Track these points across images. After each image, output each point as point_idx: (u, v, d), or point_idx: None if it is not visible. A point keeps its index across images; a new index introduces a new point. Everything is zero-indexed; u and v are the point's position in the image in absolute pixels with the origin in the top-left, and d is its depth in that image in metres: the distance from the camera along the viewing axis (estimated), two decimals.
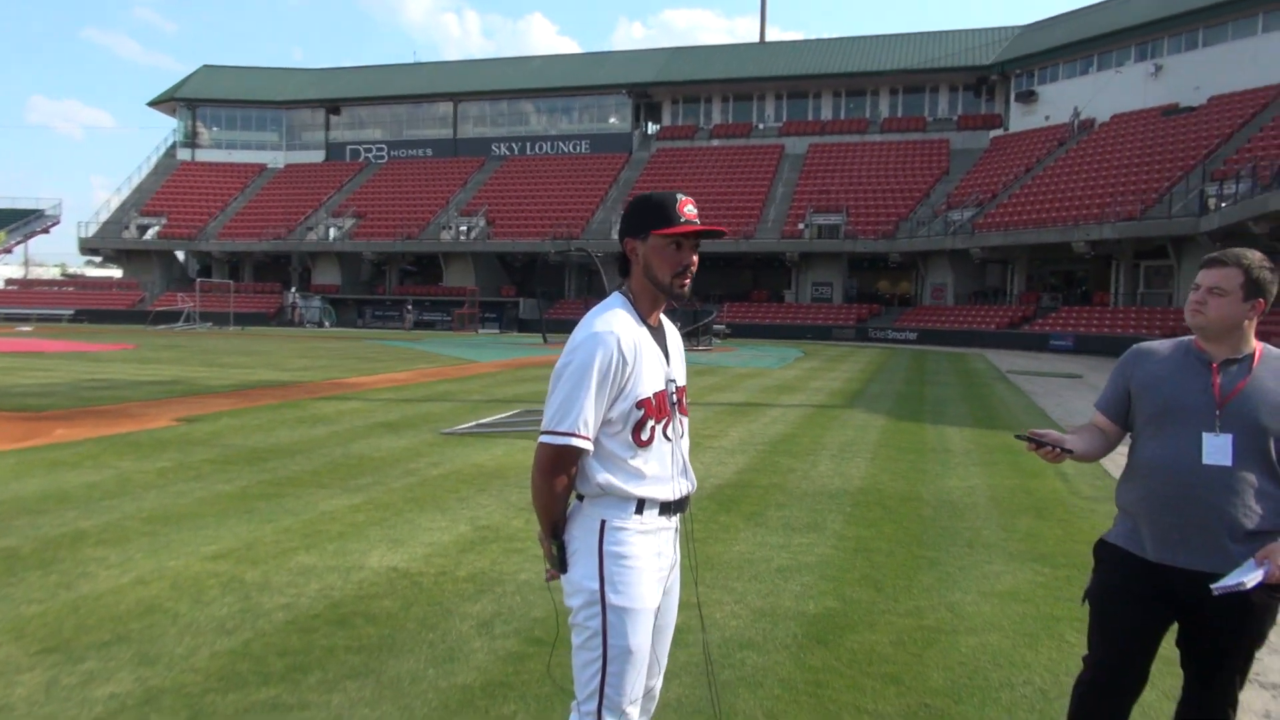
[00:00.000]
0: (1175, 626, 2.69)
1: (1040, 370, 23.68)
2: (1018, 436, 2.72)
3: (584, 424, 2.25)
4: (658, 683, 2.49)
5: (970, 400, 15.32)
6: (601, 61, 61.05)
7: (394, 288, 54.04)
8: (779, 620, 4.43)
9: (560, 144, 58.72)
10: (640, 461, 2.32)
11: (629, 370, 2.28)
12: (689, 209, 2.32)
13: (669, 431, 2.38)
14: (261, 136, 63.68)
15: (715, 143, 56.43)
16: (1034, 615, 4.61)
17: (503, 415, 11.75)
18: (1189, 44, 41.68)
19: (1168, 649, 2.75)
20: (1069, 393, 17.36)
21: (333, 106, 62.60)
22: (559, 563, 2.36)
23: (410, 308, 47.16)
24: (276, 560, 5.24)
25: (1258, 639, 2.58)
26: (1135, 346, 2.82)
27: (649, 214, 2.33)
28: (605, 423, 2.30)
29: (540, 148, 58.99)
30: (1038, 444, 2.65)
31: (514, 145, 59.45)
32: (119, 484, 7.16)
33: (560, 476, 2.30)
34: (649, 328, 2.37)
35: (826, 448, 9.69)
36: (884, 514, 6.69)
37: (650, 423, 2.32)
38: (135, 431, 9.80)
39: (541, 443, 2.30)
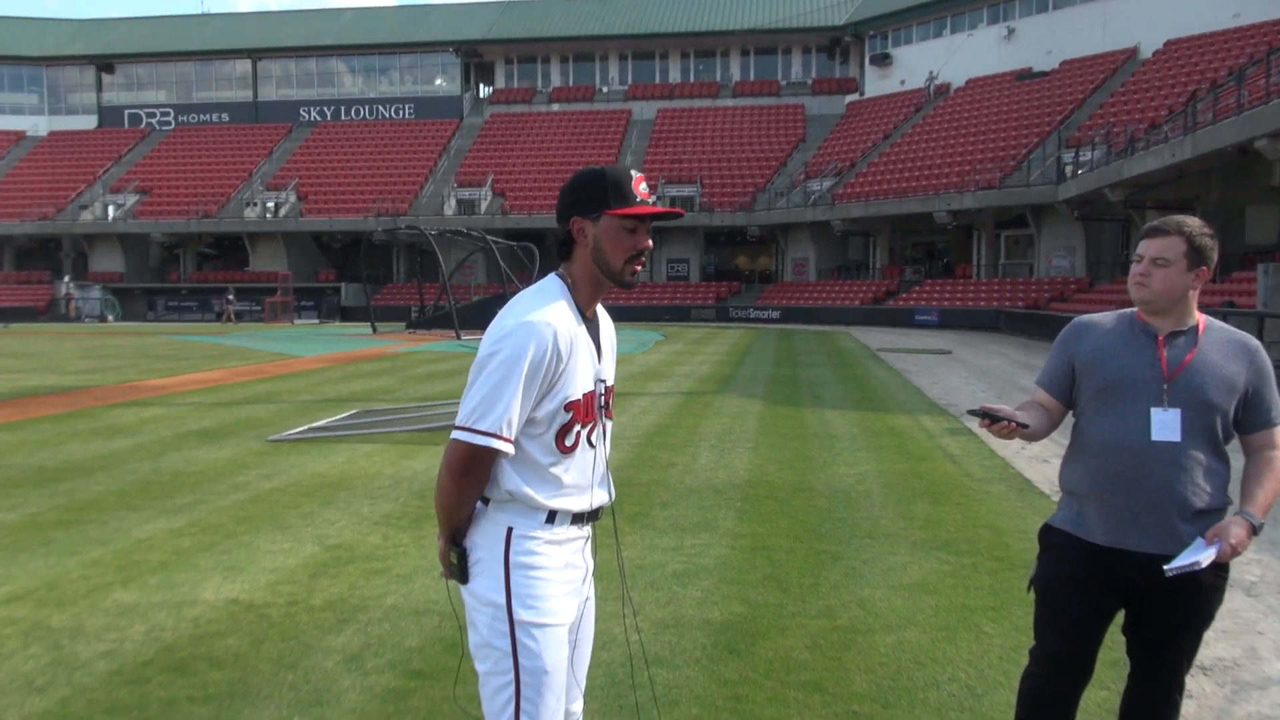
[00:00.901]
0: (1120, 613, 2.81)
1: (910, 347, 24.72)
2: (970, 412, 2.79)
3: (507, 424, 2.21)
4: (578, 706, 2.46)
5: (846, 381, 15.84)
6: (425, 15, 59.81)
7: (190, 274, 51.43)
8: (684, 631, 4.43)
9: (380, 108, 57.20)
10: (560, 469, 2.30)
11: (562, 367, 2.24)
12: (643, 187, 2.32)
13: (594, 437, 2.36)
14: (17, 99, 59.22)
15: (555, 107, 56.27)
16: (947, 607, 4.78)
17: (339, 417, 11.41)
18: (1039, 6, 44.40)
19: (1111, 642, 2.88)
20: (943, 370, 18.22)
21: (105, 64, 58.83)
22: (459, 573, 2.32)
23: (232, 297, 44.81)
24: (88, 600, 4.87)
25: (1206, 620, 2.73)
26: (1076, 320, 2.93)
27: (603, 191, 2.30)
28: (528, 424, 2.26)
29: (358, 112, 57.30)
30: (992, 419, 2.73)
31: (326, 110, 57.50)
32: None
33: (471, 479, 2.26)
34: (585, 320, 2.34)
35: (705, 438, 9.83)
36: (777, 507, 6.81)
37: (576, 427, 2.30)
38: None
39: (455, 440, 2.23)
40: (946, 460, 8.66)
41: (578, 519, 2.34)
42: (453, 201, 48.87)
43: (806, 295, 42.46)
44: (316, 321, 44.91)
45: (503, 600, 2.24)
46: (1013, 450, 9.07)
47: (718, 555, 5.62)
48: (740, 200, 46.06)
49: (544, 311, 2.24)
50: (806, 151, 49.86)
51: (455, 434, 2.23)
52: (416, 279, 39.68)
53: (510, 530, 2.27)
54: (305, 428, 10.45)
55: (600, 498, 2.38)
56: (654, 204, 2.36)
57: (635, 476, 7.83)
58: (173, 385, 15.33)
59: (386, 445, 9.36)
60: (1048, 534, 2.90)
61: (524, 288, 2.41)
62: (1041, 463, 8.54)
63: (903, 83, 50.17)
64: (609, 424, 2.43)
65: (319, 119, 57.41)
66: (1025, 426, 2.77)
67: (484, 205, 48.82)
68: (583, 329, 2.32)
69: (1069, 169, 32.93)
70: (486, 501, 2.31)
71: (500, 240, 33.89)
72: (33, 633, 4.44)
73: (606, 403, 2.39)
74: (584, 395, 2.29)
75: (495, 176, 49.91)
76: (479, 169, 51.18)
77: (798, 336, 30.04)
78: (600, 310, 2.45)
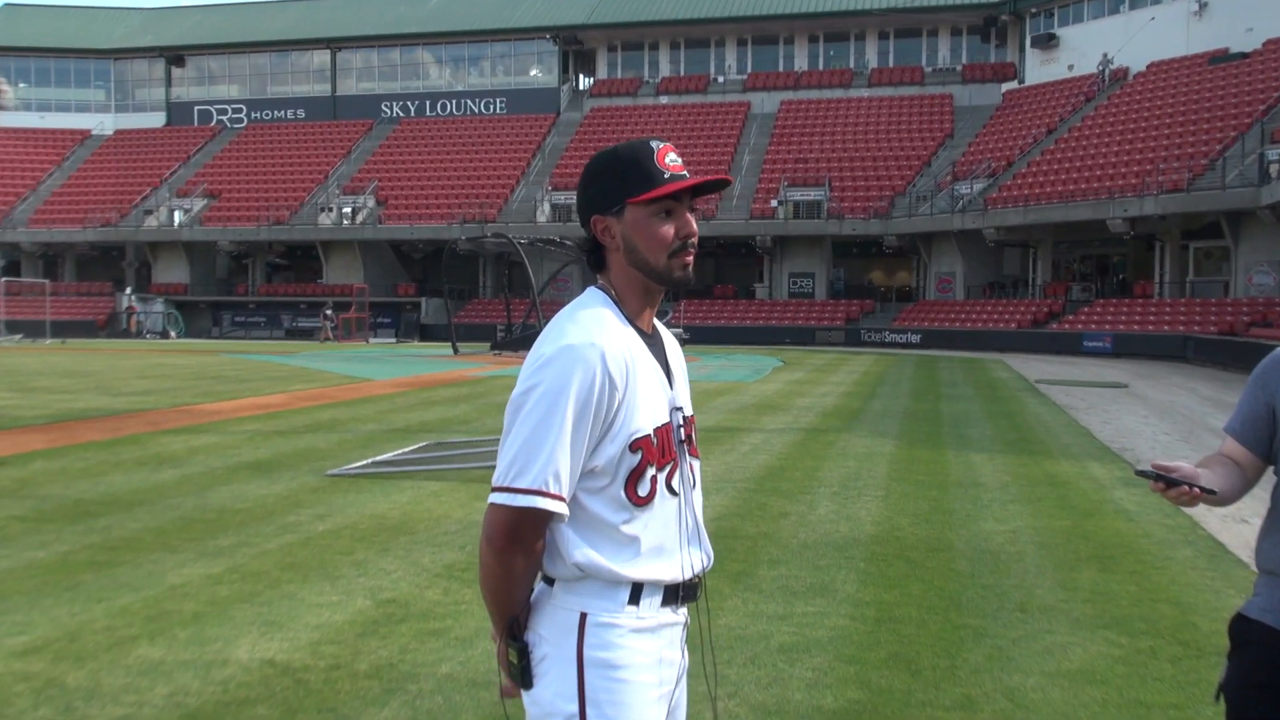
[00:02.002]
0: None
1: (1076, 379, 24.06)
2: (1139, 473, 2.53)
3: (554, 477, 2.05)
4: None
5: (997, 419, 15.46)
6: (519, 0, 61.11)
7: (258, 286, 53.27)
8: (789, 719, 4.23)
9: (469, 103, 58.53)
10: (636, 527, 2.13)
11: (620, 397, 2.09)
12: (671, 158, 2.19)
13: (675, 482, 2.19)
14: (84, 95, 62.46)
15: (664, 100, 56.72)
16: (1117, 702, 4.48)
17: (406, 450, 11.54)
18: None
19: None
20: (1116, 407, 17.58)
21: (175, 56, 61.68)
22: (520, 675, 2.14)
23: (330, 312, 45.71)
24: (110, 654, 4.92)
25: None
26: (1276, 353, 2.66)
27: (619, 177, 2.18)
28: (586, 474, 2.11)
29: (444, 107, 58.73)
30: (1167, 482, 2.47)
31: (410, 104, 59.11)
32: None
33: (521, 552, 2.10)
34: (642, 334, 2.21)
35: (825, 483, 9.63)
36: (908, 569, 6.57)
37: (650, 471, 2.13)
38: None
39: (493, 504, 2.08)
40: (1119, 517, 8.27)
41: (670, 596, 2.18)
42: (546, 206, 49.60)
43: (952, 316, 41.74)
44: (393, 340, 46.01)
45: (575, 709, 2.08)
46: (1202, 506, 8.58)
47: (834, 627, 5.42)
48: (875, 206, 45.58)
49: (588, 330, 2.10)
50: (955, 149, 49.08)
51: (492, 497, 2.08)
52: (504, 294, 40.35)
53: (584, 617, 2.11)
54: (368, 461, 10.57)
55: (695, 561, 2.21)
56: (688, 176, 2.21)
57: (739, 528, 7.67)
58: (229, 410, 15.76)
59: (457, 483, 9.39)
60: (1241, 627, 2.62)
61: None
62: (1239, 523, 8.07)
63: (1070, 68, 49.04)
64: (696, 464, 2.29)
65: (401, 115, 59.04)
66: (1211, 492, 2.50)
67: None
68: (641, 345, 2.18)
69: (1274, 168, 31.57)
70: (551, 582, 2.16)
71: None
72: (45, 691, 4.49)
73: (688, 437, 2.25)
74: (656, 430, 2.15)
75: None
76: (577, 169, 51.72)
77: (941, 364, 29.59)
78: (659, 325, 2.33)
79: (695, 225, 2.22)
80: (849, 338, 42.48)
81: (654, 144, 2.18)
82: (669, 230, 2.17)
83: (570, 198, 49.80)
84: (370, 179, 53.36)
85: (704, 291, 49.16)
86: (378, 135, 58.19)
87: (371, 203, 51.74)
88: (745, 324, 44.58)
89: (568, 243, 33.82)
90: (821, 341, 42.34)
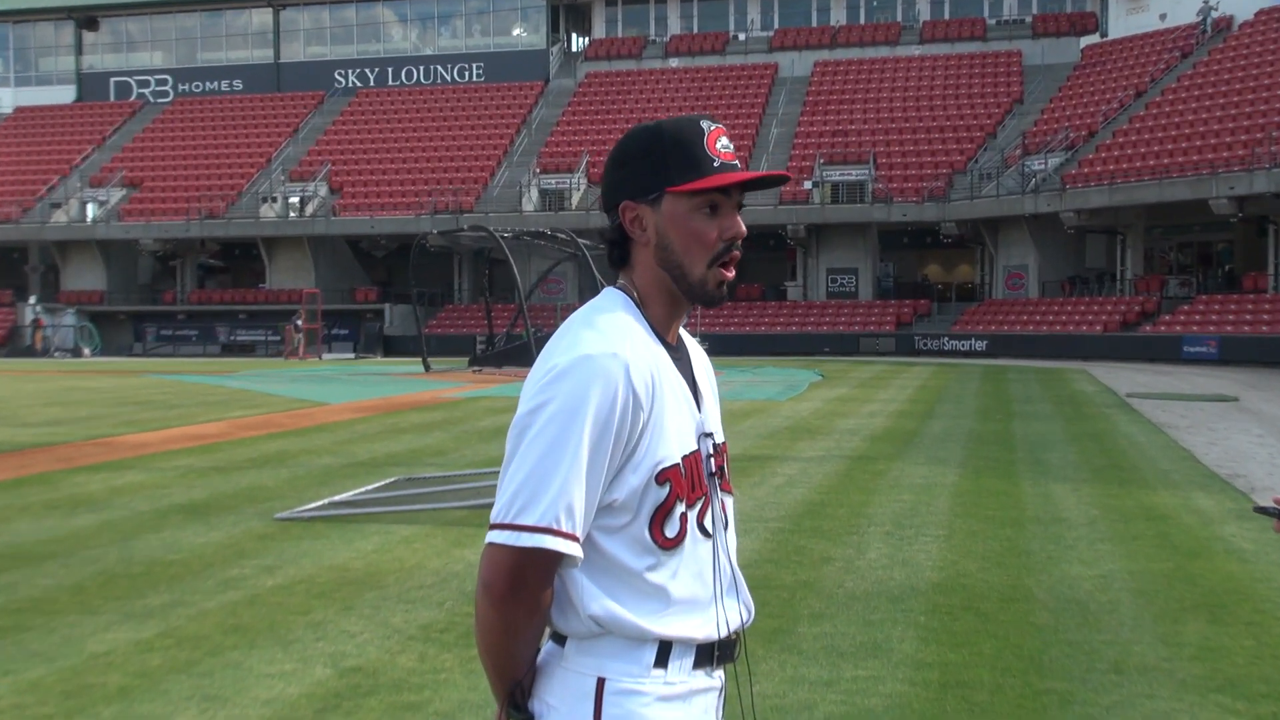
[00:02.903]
0: None
1: (1176, 392, 24.05)
2: (1257, 509, 2.54)
3: (566, 512, 2.06)
4: None
5: (1081, 441, 15.46)
6: None
7: (189, 294, 53.42)
8: None
9: (440, 70, 58.78)
10: (663, 574, 2.14)
11: (645, 419, 2.11)
12: (723, 143, 2.23)
13: (708, 521, 2.21)
14: None
15: (674, 63, 56.89)
16: None
17: (370, 487, 11.58)
18: None
19: None
20: (1224, 424, 17.56)
21: (87, 18, 62.08)
22: None
23: (300, 321, 45.31)
24: None
25: None
26: None
27: (660, 158, 2.20)
28: (604, 509, 2.12)
29: (410, 75, 59.00)
30: None
31: (368, 72, 59.37)
32: None
33: (525, 603, 2.10)
34: (667, 348, 2.24)
35: (875, 521, 9.66)
36: (978, 624, 6.59)
37: (679, 507, 2.15)
38: None
39: (491, 545, 2.09)
40: (1231, 558, 8.27)
41: (704, 657, 2.18)
42: (534, 193, 49.76)
43: (1025, 318, 41.76)
44: (351, 356, 46.17)
45: None
46: None
47: (891, 694, 5.43)
48: (930, 186, 45.67)
49: (608, 338, 2.12)
50: (1024, 117, 49.17)
51: (490, 536, 2.09)
52: (484, 298, 40.42)
53: (601, 683, 2.11)
54: (325, 502, 10.60)
55: (733, 615, 2.23)
56: (742, 169, 2.24)
57: (774, 576, 7.68)
58: (156, 443, 15.75)
59: (433, 527, 9.41)
60: None
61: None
62: None
63: (1163, 18, 49.11)
64: (729, 500, 2.31)
65: (358, 85, 59.37)
66: None
67: (575, 198, 49.55)
68: (666, 361, 2.21)
69: None
70: (562, 640, 2.17)
71: (598, 246, 34.23)
72: None
73: (720, 468, 2.28)
74: (684, 459, 2.17)
75: (591, 158, 50.77)
76: (570, 148, 51.98)
77: (1012, 376, 29.58)
78: (685, 335, 2.36)
79: (743, 226, 2.25)
80: (900, 346, 42.48)
81: (705, 124, 2.21)
82: (712, 230, 2.20)
83: (561, 182, 49.99)
84: (322, 162, 53.61)
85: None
86: (330, 110, 58.45)
87: (324, 191, 51.95)
88: (775, 330, 44.63)
89: (560, 236, 33.83)
90: (868, 351, 42.31)
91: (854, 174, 47.26)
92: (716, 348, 41.28)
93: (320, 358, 45.02)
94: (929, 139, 48.71)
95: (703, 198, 2.19)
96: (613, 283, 2.31)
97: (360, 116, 57.22)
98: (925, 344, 42.13)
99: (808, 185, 46.98)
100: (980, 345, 40.70)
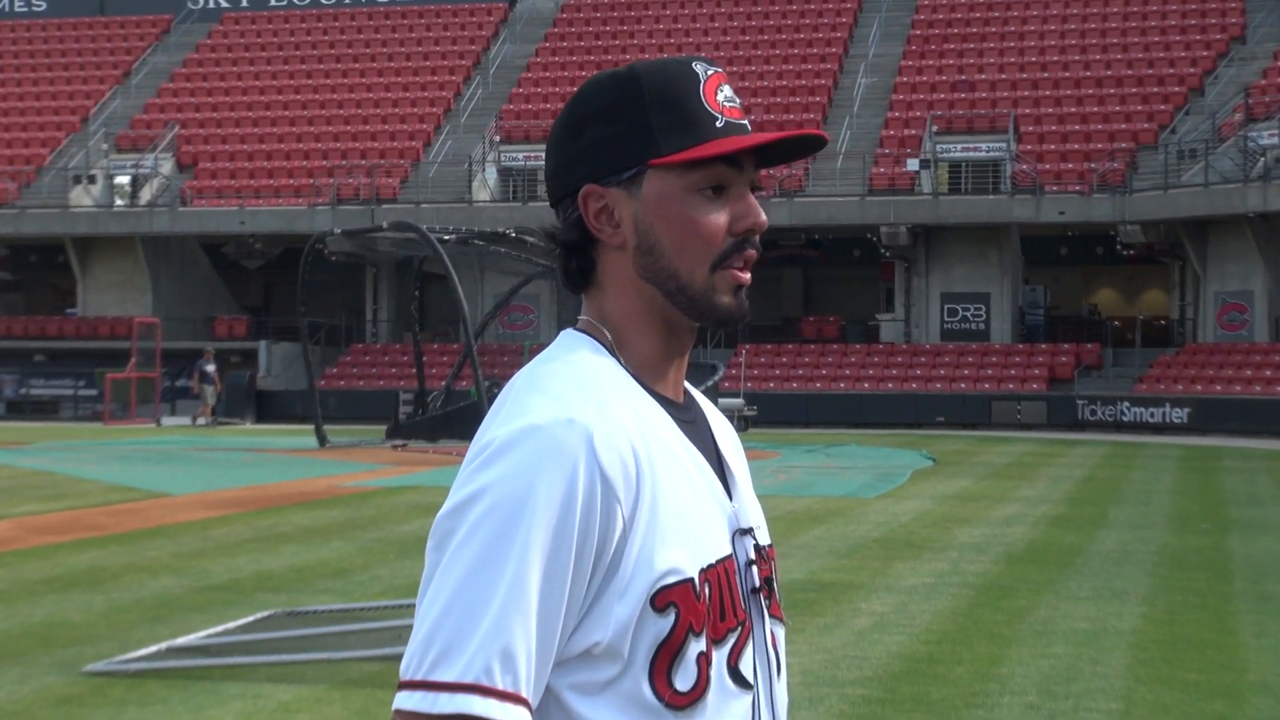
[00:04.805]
0: None
1: None
2: None
3: (503, 660, 2.04)
4: None
5: None
6: None
7: None
8: None
9: None
10: None
11: (629, 515, 2.11)
12: (725, 94, 2.25)
13: (746, 664, 2.20)
14: None
15: None
16: None
17: (233, 625, 11.50)
18: None
19: None
20: None
21: None
22: None
23: (211, 368, 45.80)
24: None
25: None
26: None
27: (640, 117, 2.22)
28: (580, 658, 2.12)
29: None
30: None
31: None
32: None
33: None
34: (665, 403, 2.26)
35: (1013, 689, 9.62)
36: None
37: (695, 646, 2.12)
38: None
39: (399, 712, 2.08)
40: None
41: None
42: (491, 172, 49.81)
43: (1249, 373, 41.81)
44: (205, 421, 45.96)
45: None
46: None
47: None
48: (1101, 169, 45.69)
49: (561, 400, 2.13)
50: (1247, 64, 49.28)
51: (398, 700, 2.07)
52: (413, 334, 40.18)
53: None
54: (162, 647, 10.53)
55: None
56: (751, 129, 2.24)
57: None
58: None
59: (328, 688, 9.37)
60: None
61: None
62: None
63: None
64: (780, 632, 2.33)
65: (224, 4, 59.65)
66: None
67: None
68: (668, 423, 2.23)
69: None
70: None
71: None
72: None
73: (767, 581, 2.29)
74: (705, 572, 2.16)
75: None
76: (544, 104, 52.15)
77: (1229, 463, 29.41)
78: (692, 391, 2.38)
79: (763, 212, 2.24)
80: (1055, 413, 42.38)
81: (700, 67, 2.22)
82: (718, 218, 2.21)
83: (535, 154, 49.81)
84: (165, 123, 53.67)
85: (781, 329, 49.05)
86: (179, 44, 58.69)
87: (168, 168, 51.97)
88: (861, 389, 44.56)
89: (530, 239, 33.74)
90: (1004, 421, 42.25)
91: (984, 148, 47.19)
92: (768, 413, 40.94)
93: (159, 422, 44.94)
94: (1100, 96, 48.67)
95: (703, 171, 2.19)
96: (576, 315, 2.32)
97: (225, 54, 57.38)
98: (1093, 411, 41.87)
99: (912, 165, 47.02)
100: (1179, 415, 40.51)
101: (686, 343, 2.30)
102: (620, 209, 2.22)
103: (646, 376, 2.24)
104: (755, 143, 2.20)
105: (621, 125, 2.22)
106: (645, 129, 2.20)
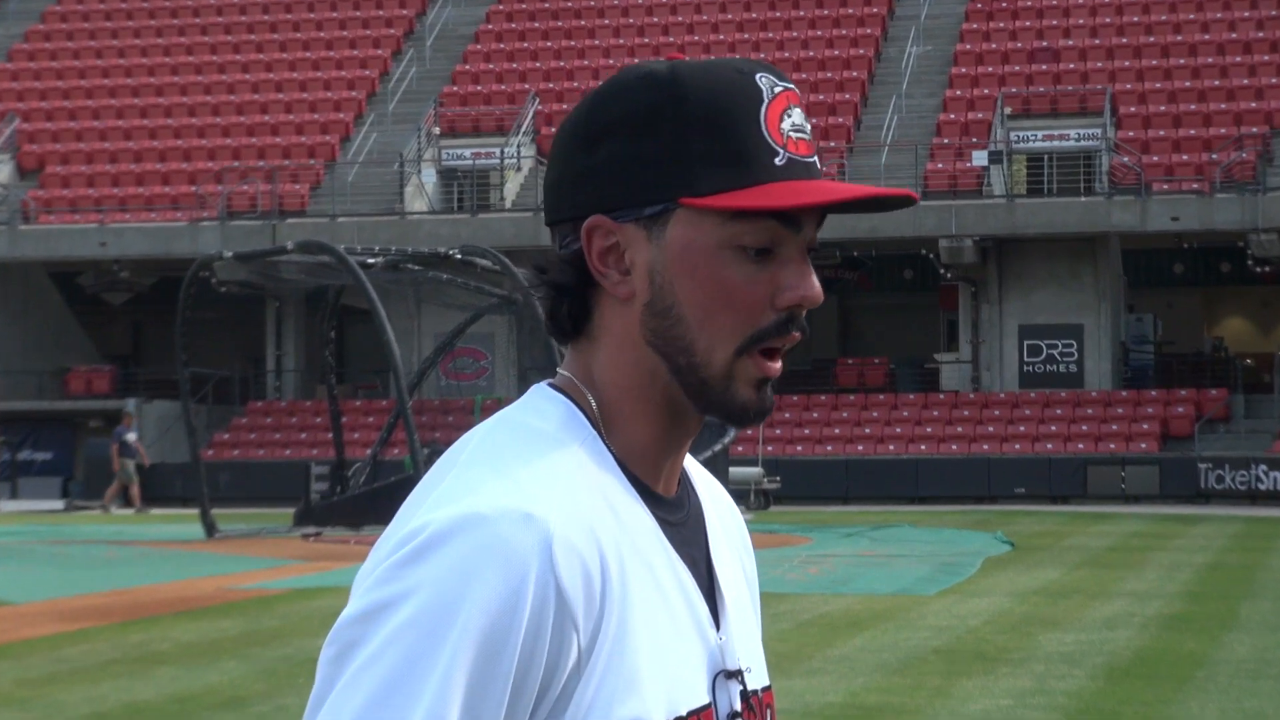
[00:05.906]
0: None
1: None
2: None
3: None
4: None
5: None
6: None
7: None
8: None
9: None
10: None
11: (586, 647, 2.10)
12: (793, 121, 2.22)
13: None
14: None
15: None
16: None
17: None
18: None
19: None
20: None
21: None
22: None
23: (133, 437, 47.16)
24: None
25: None
26: None
27: (678, 136, 2.19)
28: None
29: None
30: None
31: None
32: None
33: None
34: (655, 506, 2.26)
35: None
36: None
37: None
38: None
39: None
40: None
41: None
42: (430, 174, 50.34)
43: None
44: (58, 504, 46.10)
45: None
46: None
47: None
48: (1226, 162, 45.95)
49: (520, 486, 2.10)
50: None
51: None
52: (327, 385, 40.63)
53: None
54: None
55: None
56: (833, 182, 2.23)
57: None
58: None
59: None
60: None
61: None
62: None
63: None
64: None
65: None
66: None
67: (512, 184, 50.03)
68: (655, 534, 2.22)
69: None
70: None
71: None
72: None
73: None
74: (689, 716, 2.21)
75: (545, 105, 52.29)
76: (498, 85, 52.55)
77: None
78: (693, 466, 2.41)
79: (817, 283, 2.22)
80: (1170, 479, 42.93)
81: (764, 80, 2.19)
82: (761, 287, 2.19)
83: (487, 151, 50.29)
84: (2, 116, 54.05)
85: (812, 375, 49.70)
86: (18, 13, 59.40)
87: (6, 172, 52.40)
88: (916, 452, 45.28)
89: (481, 262, 33.93)
90: (1103, 491, 42.87)
91: (1073, 135, 47.77)
92: (795, 485, 41.78)
93: None
94: (1222, 67, 49.17)
95: (749, 224, 2.17)
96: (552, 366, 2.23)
97: (80, 25, 58.03)
98: (1219, 478, 42.34)
99: (979, 159, 47.58)
100: None
101: (692, 433, 2.34)
102: (634, 252, 2.24)
103: (635, 464, 2.28)
104: (826, 200, 2.19)
105: (650, 145, 2.21)
106: (681, 155, 2.19)
